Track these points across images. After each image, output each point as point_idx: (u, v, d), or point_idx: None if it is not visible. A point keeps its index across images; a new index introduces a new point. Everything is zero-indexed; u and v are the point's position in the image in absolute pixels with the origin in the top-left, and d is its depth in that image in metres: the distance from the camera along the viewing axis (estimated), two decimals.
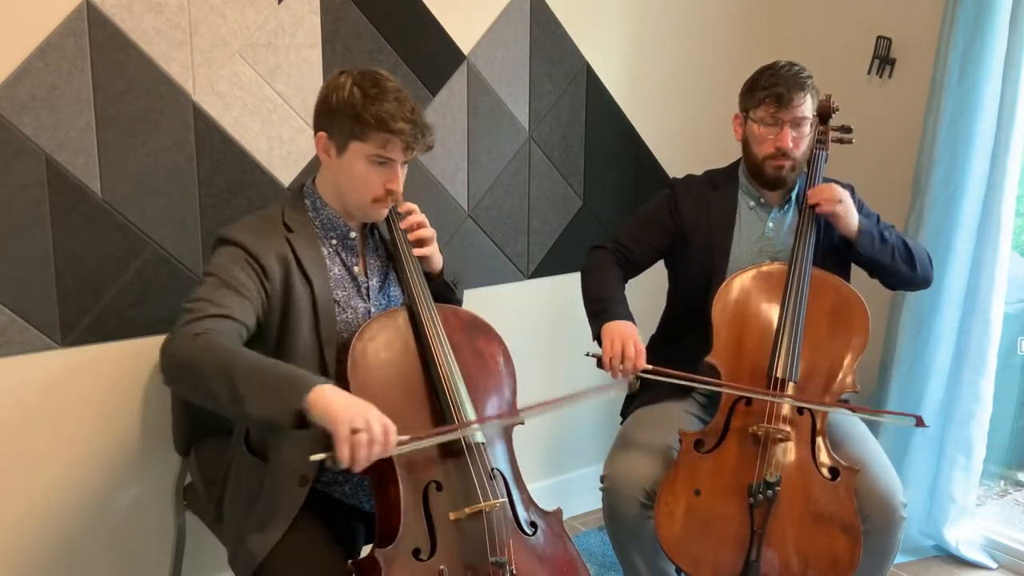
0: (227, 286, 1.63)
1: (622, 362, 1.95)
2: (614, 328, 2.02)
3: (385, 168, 1.71)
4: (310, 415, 1.43)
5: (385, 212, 1.78)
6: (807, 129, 2.13)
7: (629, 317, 2.08)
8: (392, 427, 1.46)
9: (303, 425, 1.44)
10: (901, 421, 2.30)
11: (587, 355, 2.00)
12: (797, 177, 2.19)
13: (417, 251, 1.83)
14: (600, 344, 2.03)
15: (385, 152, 1.69)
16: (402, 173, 1.75)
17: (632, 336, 1.99)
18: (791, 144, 2.10)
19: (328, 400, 1.43)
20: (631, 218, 2.33)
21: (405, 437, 1.53)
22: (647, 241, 2.27)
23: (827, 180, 2.27)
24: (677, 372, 1.97)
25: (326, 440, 1.44)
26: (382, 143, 1.67)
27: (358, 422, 1.41)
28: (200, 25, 2.10)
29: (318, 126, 1.74)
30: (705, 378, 1.99)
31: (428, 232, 1.84)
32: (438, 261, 1.89)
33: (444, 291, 1.93)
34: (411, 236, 1.83)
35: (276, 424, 1.48)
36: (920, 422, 1.98)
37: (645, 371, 1.96)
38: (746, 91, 2.18)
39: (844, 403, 2.11)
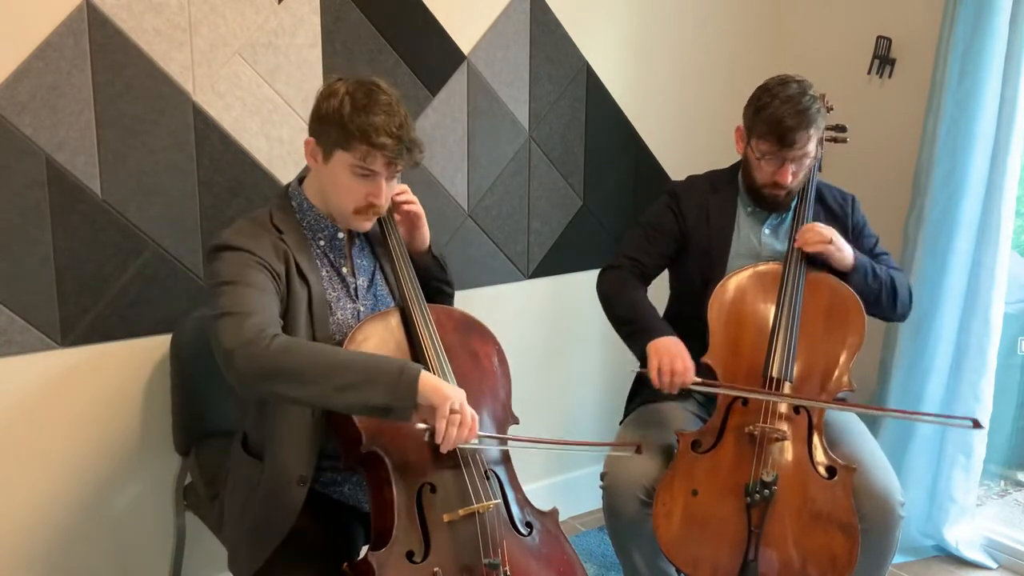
0: (250, 286, 1.60)
1: (671, 378, 1.95)
2: (661, 345, 2.00)
3: (368, 181, 1.68)
4: (419, 395, 1.51)
5: (367, 225, 1.76)
6: (808, 161, 2.09)
7: (671, 332, 2.05)
8: (476, 416, 1.56)
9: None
10: (958, 423, 2.22)
11: (634, 371, 1.95)
12: (794, 197, 2.18)
13: (407, 213, 1.85)
14: (645, 362, 2.01)
15: (366, 164, 1.66)
16: (388, 187, 1.71)
17: (680, 351, 1.98)
18: (790, 179, 2.07)
19: (435, 380, 1.53)
20: (635, 229, 2.28)
21: (488, 432, 1.65)
22: (657, 251, 2.23)
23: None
24: (727, 384, 1.97)
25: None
26: (363, 155, 1.64)
27: (457, 404, 1.52)
28: (200, 25, 2.11)
29: (310, 131, 1.73)
30: (756, 389, 1.98)
31: (418, 207, 1.86)
32: (426, 237, 1.91)
33: (436, 269, 1.94)
34: (402, 211, 1.84)
35: (393, 409, 1.51)
36: (976, 424, 1.96)
37: (695, 384, 1.96)
38: (750, 112, 2.10)
39: (902, 411, 2.08)
